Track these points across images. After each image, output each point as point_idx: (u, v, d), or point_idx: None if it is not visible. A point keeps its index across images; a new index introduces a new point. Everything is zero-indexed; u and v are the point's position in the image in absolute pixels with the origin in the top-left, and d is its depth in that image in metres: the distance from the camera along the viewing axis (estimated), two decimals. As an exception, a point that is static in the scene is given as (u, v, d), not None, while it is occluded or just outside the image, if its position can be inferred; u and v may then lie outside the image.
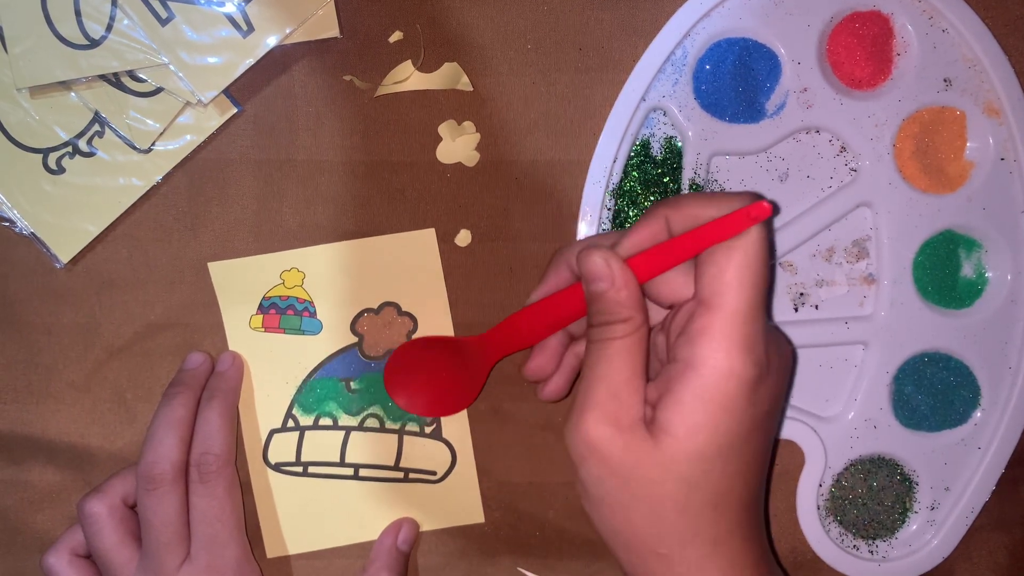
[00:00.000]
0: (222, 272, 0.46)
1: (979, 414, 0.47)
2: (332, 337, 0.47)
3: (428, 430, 0.47)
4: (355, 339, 0.47)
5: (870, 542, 0.48)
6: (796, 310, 0.47)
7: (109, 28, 0.43)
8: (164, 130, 0.45)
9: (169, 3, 0.43)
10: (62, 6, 0.43)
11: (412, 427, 0.47)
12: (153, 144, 0.45)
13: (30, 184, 0.45)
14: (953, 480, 0.48)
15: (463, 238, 0.46)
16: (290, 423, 0.47)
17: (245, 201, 0.46)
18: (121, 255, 0.46)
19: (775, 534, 0.48)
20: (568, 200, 0.46)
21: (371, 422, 0.47)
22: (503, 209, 0.46)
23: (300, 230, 0.46)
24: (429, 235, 0.46)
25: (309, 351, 0.47)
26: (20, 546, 0.48)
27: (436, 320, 0.46)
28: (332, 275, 0.46)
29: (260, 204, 0.46)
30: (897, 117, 0.45)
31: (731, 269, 0.33)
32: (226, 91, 0.44)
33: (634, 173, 0.46)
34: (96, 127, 0.45)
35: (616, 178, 0.45)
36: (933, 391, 0.47)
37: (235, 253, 0.46)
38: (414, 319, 0.47)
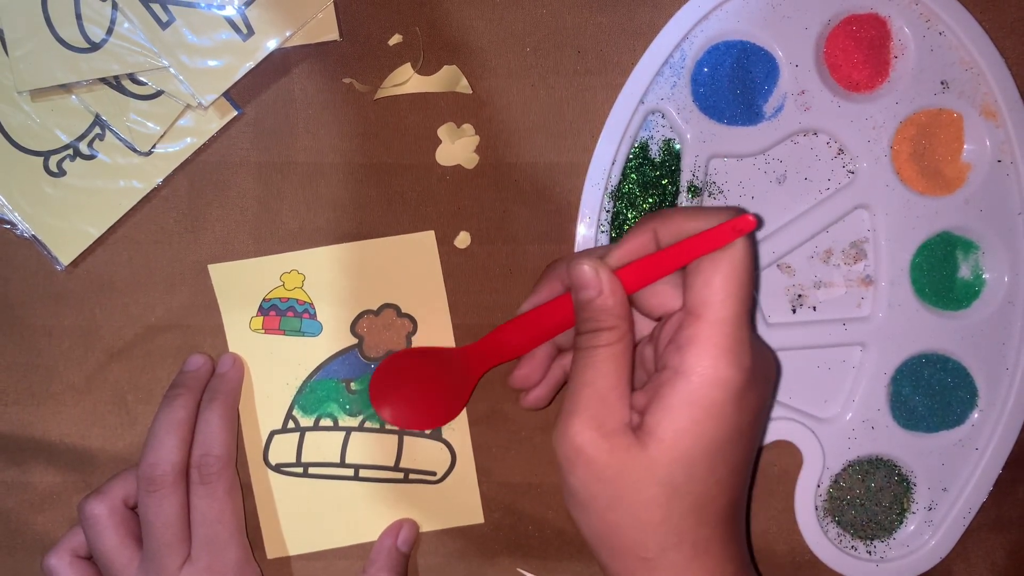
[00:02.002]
0: (222, 274, 0.46)
1: (976, 415, 0.48)
2: (332, 339, 0.47)
3: (428, 431, 0.47)
4: (355, 341, 0.47)
5: (868, 542, 0.48)
6: (794, 311, 0.47)
7: (110, 31, 0.43)
8: (164, 133, 0.45)
9: (169, 6, 0.43)
10: (63, 9, 0.43)
11: None
12: (153, 147, 0.45)
13: (31, 187, 0.45)
14: (951, 481, 0.48)
15: (462, 240, 0.46)
16: (290, 424, 0.47)
17: (245, 203, 0.46)
18: (122, 257, 0.46)
19: (773, 535, 0.48)
20: (567, 202, 0.46)
21: (371, 423, 0.47)
22: (502, 211, 0.46)
23: (300, 232, 0.46)
24: (428, 237, 0.46)
25: (309, 353, 0.47)
26: (21, 547, 0.48)
27: (436, 322, 0.47)
28: (332, 277, 0.46)
29: (260, 206, 0.46)
30: (894, 119, 0.46)
31: (718, 280, 0.34)
32: (226, 94, 0.44)
33: (633, 175, 0.46)
34: (97, 130, 0.45)
35: (615, 180, 0.46)
36: (931, 392, 0.47)
37: (235, 255, 0.46)
38: (414, 321, 0.47)
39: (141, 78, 0.44)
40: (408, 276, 0.47)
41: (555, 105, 0.46)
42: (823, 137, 0.46)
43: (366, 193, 0.46)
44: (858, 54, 0.46)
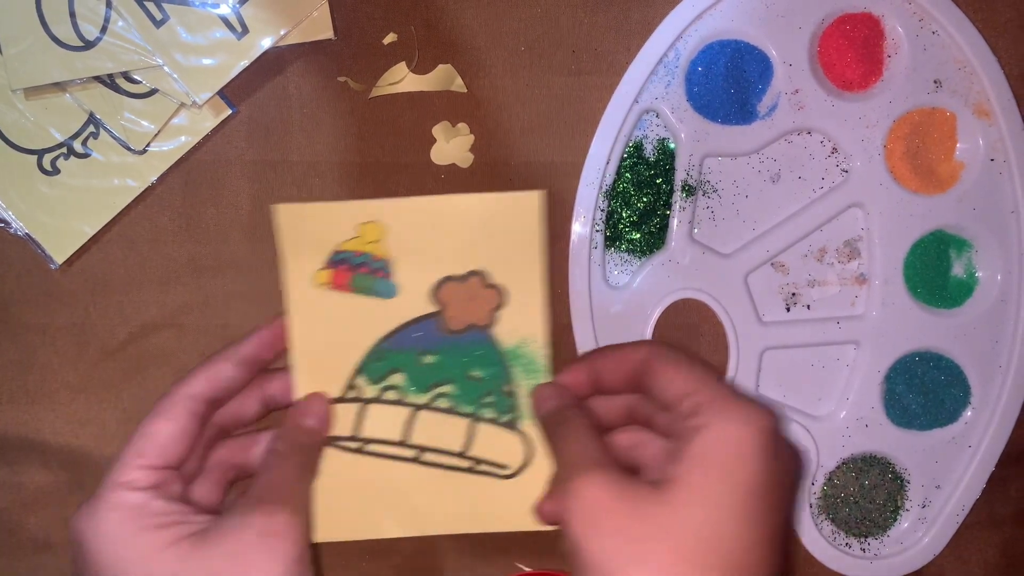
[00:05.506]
0: (290, 216, 0.40)
1: (970, 413, 0.48)
2: (408, 303, 0.41)
3: (505, 419, 0.42)
4: (434, 308, 0.41)
5: (862, 540, 0.48)
6: (788, 310, 0.47)
7: (104, 29, 0.43)
8: (159, 131, 0.45)
9: (163, 5, 0.43)
10: (57, 8, 0.43)
11: (488, 413, 0.42)
12: (148, 145, 0.45)
13: (25, 185, 0.45)
14: (944, 478, 0.48)
15: (457, 239, 0.46)
16: (351, 393, 0.42)
17: (240, 202, 0.46)
18: (116, 256, 0.46)
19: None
20: (562, 201, 0.46)
21: (442, 402, 0.42)
22: (497, 210, 0.46)
23: (295, 231, 0.46)
24: (534, 198, 0.40)
25: (380, 316, 0.41)
26: (14, 547, 0.48)
27: (527, 299, 0.41)
28: (417, 233, 0.41)
29: (255, 205, 0.46)
30: (888, 118, 0.46)
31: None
32: (221, 92, 0.44)
33: (627, 174, 0.46)
34: (91, 128, 0.45)
35: (609, 179, 0.46)
36: (924, 390, 0.48)
37: (230, 255, 0.46)
38: (501, 293, 0.41)
39: (135, 76, 0.44)
40: (503, 241, 0.41)
41: (550, 104, 0.46)
42: (817, 136, 0.46)
43: (361, 192, 0.46)
44: (851, 53, 0.46)
